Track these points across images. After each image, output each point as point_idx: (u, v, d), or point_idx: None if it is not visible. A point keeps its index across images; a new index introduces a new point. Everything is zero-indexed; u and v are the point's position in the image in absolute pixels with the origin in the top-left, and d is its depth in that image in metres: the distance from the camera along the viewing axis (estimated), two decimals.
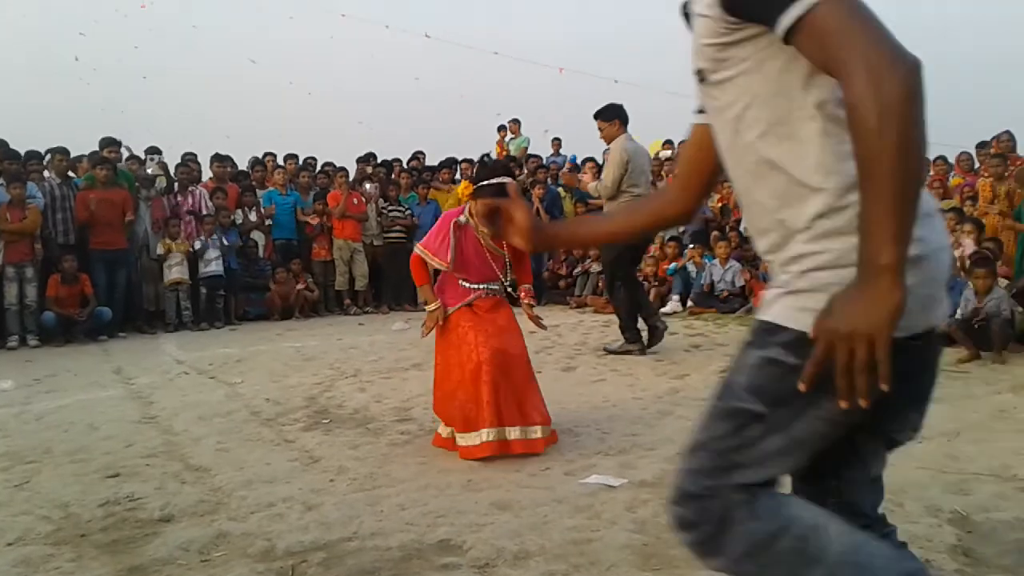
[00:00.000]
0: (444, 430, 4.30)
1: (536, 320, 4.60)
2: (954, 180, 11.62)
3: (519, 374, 4.21)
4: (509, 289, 4.48)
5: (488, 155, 4.25)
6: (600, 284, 11.90)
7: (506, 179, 4.20)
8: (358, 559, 2.78)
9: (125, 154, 11.15)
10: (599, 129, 7.44)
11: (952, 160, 12.05)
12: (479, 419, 4.04)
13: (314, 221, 12.03)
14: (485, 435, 4.02)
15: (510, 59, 17.07)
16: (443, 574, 2.65)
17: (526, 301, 4.61)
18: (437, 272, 4.45)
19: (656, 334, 7.30)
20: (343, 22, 16.98)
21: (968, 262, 7.47)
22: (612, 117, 7.32)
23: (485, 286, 4.37)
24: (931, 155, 12.36)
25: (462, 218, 4.37)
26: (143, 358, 8.08)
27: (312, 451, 4.29)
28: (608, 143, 7.60)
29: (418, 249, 4.43)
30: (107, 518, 3.31)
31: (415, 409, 5.23)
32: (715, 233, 11.69)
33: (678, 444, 4.13)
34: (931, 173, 11.72)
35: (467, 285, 4.35)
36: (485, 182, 4.15)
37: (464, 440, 4.10)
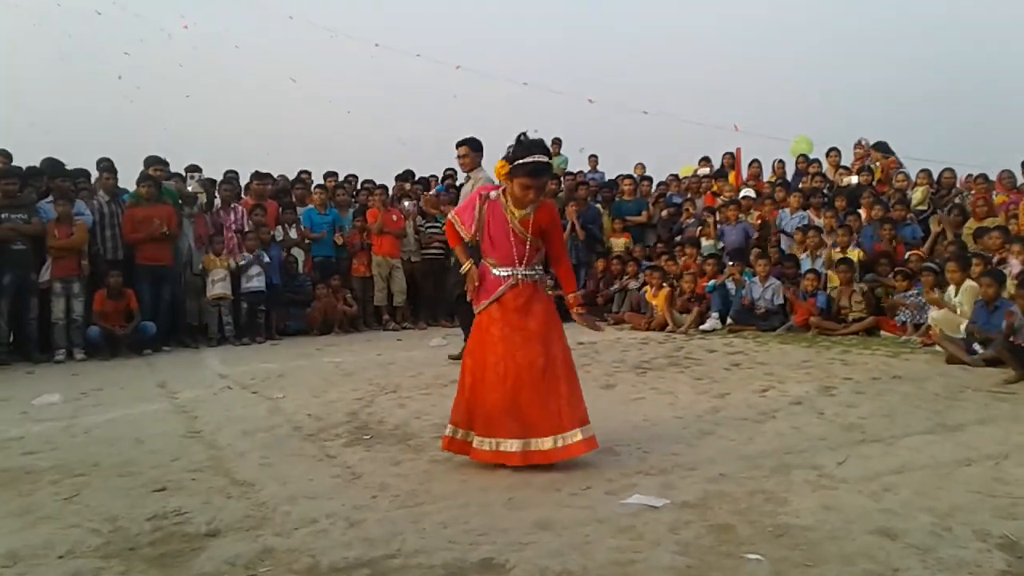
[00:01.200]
0: (460, 432, 4.28)
1: (593, 325, 4.59)
2: (998, 198, 11.43)
3: (549, 383, 4.15)
4: (540, 276, 4.41)
5: (525, 133, 4.17)
6: (635, 300, 11.89)
7: (542, 157, 4.13)
8: None
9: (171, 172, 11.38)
10: (462, 156, 7.94)
11: (993, 178, 11.86)
12: (506, 427, 4.06)
13: (339, 241, 12.16)
14: (512, 444, 4.04)
15: (540, 89, 17.43)
16: None
17: (577, 311, 4.59)
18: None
19: None
20: (377, 51, 17.40)
21: (1016, 282, 7.35)
22: (478, 148, 7.92)
23: (513, 271, 4.27)
24: (972, 172, 12.22)
25: (493, 193, 4.32)
26: (187, 372, 8.20)
27: (354, 467, 4.32)
28: (468, 171, 8.07)
29: (451, 215, 4.47)
30: (155, 532, 3.36)
31: None
32: (756, 250, 11.60)
33: (720, 464, 4.12)
34: (972, 192, 11.55)
35: (496, 272, 4.29)
36: (521, 161, 4.10)
37: (484, 445, 4.11)
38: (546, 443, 4.06)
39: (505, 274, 4.28)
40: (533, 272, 4.35)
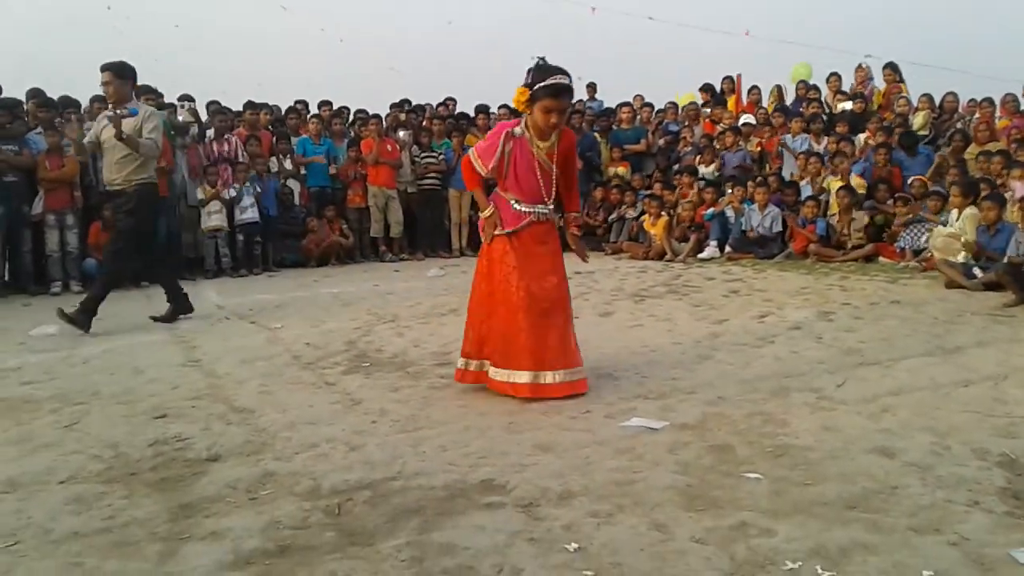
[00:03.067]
0: (472, 364, 4.26)
1: (581, 251, 4.52)
2: (1001, 122, 11.29)
3: (559, 317, 4.15)
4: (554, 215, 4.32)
5: (543, 58, 4.02)
6: (634, 229, 11.82)
7: (563, 78, 3.96)
8: (403, 498, 2.81)
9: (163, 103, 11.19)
10: (105, 84, 6.54)
11: (997, 101, 11.67)
12: (519, 359, 4.04)
13: (333, 171, 12.07)
14: (523, 376, 4.03)
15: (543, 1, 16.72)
16: (488, 513, 2.66)
17: (572, 230, 4.52)
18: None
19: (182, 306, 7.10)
20: None
21: (1018, 206, 7.30)
22: (128, 75, 6.62)
23: (535, 209, 4.18)
24: (977, 96, 12.03)
25: (517, 129, 4.16)
26: None
27: (353, 394, 4.32)
28: (114, 102, 6.62)
29: (471, 152, 4.31)
30: (156, 457, 3.37)
31: (453, 354, 5.21)
32: (758, 178, 11.50)
33: (718, 388, 4.13)
34: (977, 115, 11.41)
35: (519, 208, 4.18)
36: (542, 84, 3.94)
37: (499, 375, 4.11)
38: (558, 376, 4.05)
39: (527, 210, 4.18)
40: (552, 209, 4.28)
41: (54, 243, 9.35)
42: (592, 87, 15.39)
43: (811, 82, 13.88)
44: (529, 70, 4.03)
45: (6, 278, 9.39)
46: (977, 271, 7.29)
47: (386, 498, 2.81)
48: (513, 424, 3.67)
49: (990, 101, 11.51)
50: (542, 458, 3.18)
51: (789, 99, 13.82)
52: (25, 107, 9.94)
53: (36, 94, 10.05)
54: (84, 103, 10.51)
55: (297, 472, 3.11)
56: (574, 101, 14.45)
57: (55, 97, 10.20)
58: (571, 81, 4.04)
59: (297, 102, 13.34)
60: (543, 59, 4.03)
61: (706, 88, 14.75)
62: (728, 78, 14.50)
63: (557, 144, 4.17)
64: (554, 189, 4.22)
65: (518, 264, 4.12)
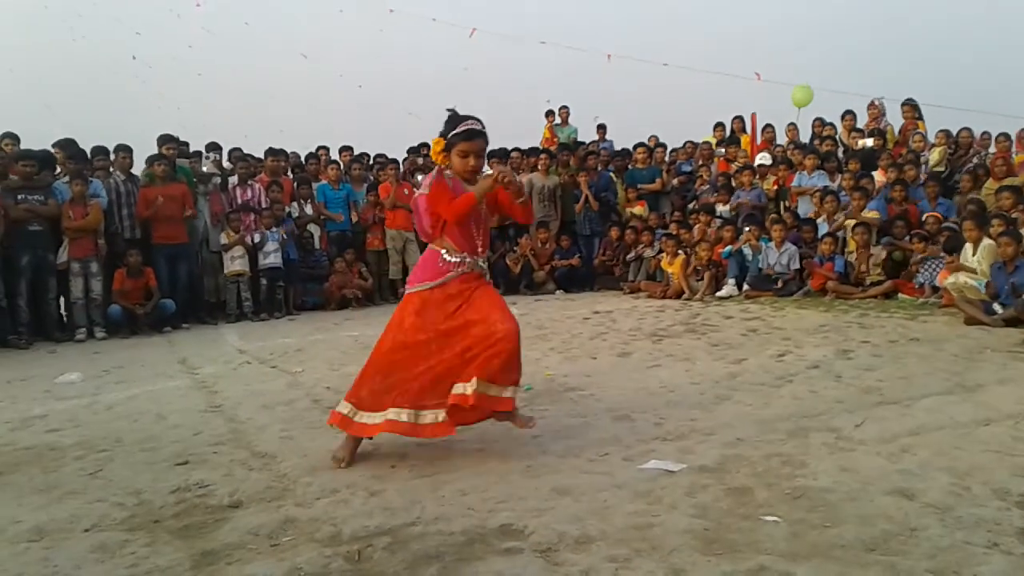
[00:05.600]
0: (344, 407, 4.02)
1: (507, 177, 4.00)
2: (1018, 157, 11.28)
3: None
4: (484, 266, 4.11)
5: (453, 109, 3.99)
6: (652, 268, 11.86)
7: (475, 123, 3.90)
8: (422, 543, 2.83)
9: (187, 150, 11.43)
10: None
11: (1014, 136, 11.68)
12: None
13: (355, 219, 12.24)
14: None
15: (558, 47, 16.92)
16: (506, 558, 2.68)
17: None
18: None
19: None
20: (391, 17, 17.06)
21: None
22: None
23: (468, 259, 3.94)
24: (993, 130, 12.04)
25: (448, 172, 3.96)
26: (206, 349, 8.28)
27: (373, 438, 4.34)
28: None
29: (424, 207, 3.97)
30: (178, 504, 3.41)
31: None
32: (772, 216, 11.53)
33: (737, 429, 4.13)
34: (993, 150, 11.40)
35: (449, 259, 3.92)
36: (454, 131, 3.88)
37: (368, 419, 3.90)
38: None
39: (457, 260, 3.94)
40: (484, 263, 4.11)
41: (78, 290, 9.52)
42: (602, 128, 15.53)
43: (816, 113, 13.97)
44: (444, 122, 3.97)
45: (32, 326, 9.53)
46: (997, 307, 7.26)
47: (405, 544, 2.84)
48: (531, 467, 3.69)
49: (1006, 136, 11.52)
50: (560, 502, 3.19)
51: (804, 138, 13.90)
52: (56, 157, 10.16)
53: (67, 144, 10.28)
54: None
55: (318, 518, 3.14)
56: (587, 141, 14.69)
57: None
58: (484, 127, 3.97)
59: (318, 148, 13.56)
60: (453, 110, 3.99)
61: (719, 127, 14.88)
62: (738, 117, 14.62)
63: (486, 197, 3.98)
64: (485, 241, 4.06)
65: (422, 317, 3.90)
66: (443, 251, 3.95)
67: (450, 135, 3.94)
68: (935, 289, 8.84)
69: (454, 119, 3.97)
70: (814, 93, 14.90)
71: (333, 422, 4.02)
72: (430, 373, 3.84)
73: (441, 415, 3.80)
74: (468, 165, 3.95)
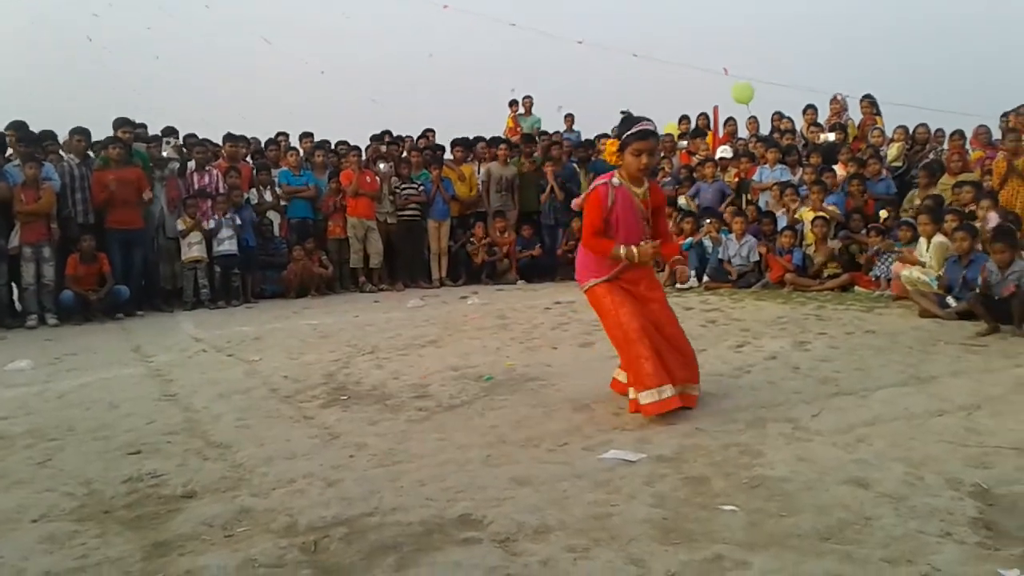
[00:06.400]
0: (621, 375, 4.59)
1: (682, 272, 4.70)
2: (975, 154, 11.48)
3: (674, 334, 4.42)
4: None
5: (628, 111, 4.34)
6: None
7: (649, 124, 4.26)
8: (379, 534, 2.80)
9: (146, 134, 11.21)
10: None
11: (970, 134, 11.88)
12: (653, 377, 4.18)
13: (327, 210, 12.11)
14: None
15: (529, 31, 16.77)
16: (464, 548, 2.66)
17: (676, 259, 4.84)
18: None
19: None
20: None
21: (990, 236, 7.40)
22: None
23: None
24: (948, 127, 12.23)
25: (615, 179, 4.36)
26: (161, 336, 8.14)
27: (331, 427, 4.31)
28: None
29: (584, 229, 4.45)
30: (130, 494, 3.35)
31: (432, 386, 5.24)
32: (731, 208, 11.62)
33: (695, 419, 4.15)
34: (946, 147, 11.58)
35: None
36: (630, 131, 4.22)
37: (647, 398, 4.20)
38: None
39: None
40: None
41: (30, 276, 9.29)
42: (570, 118, 15.52)
43: (785, 114, 14.08)
44: (613, 127, 4.43)
45: None
46: (951, 300, 7.38)
47: (363, 535, 2.81)
48: (491, 457, 3.67)
49: (960, 133, 11.71)
50: (519, 492, 3.18)
51: (764, 131, 14.01)
52: (6, 139, 9.90)
53: (19, 127, 10.01)
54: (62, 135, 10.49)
55: (274, 508, 3.10)
56: (551, 132, 14.68)
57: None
58: (655, 128, 4.35)
59: (278, 134, 13.39)
60: (628, 112, 4.32)
61: (684, 120, 14.95)
62: (703, 114, 14.71)
63: (649, 195, 4.42)
64: (649, 236, 4.43)
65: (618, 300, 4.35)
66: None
67: (625, 135, 4.27)
68: (890, 282, 8.97)
69: (629, 120, 4.31)
70: (755, 91, 15.02)
71: None
72: None
73: None
74: (641, 164, 4.31)
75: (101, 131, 10.61)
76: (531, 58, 19.50)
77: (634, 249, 4.30)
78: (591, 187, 4.43)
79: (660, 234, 4.55)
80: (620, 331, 4.32)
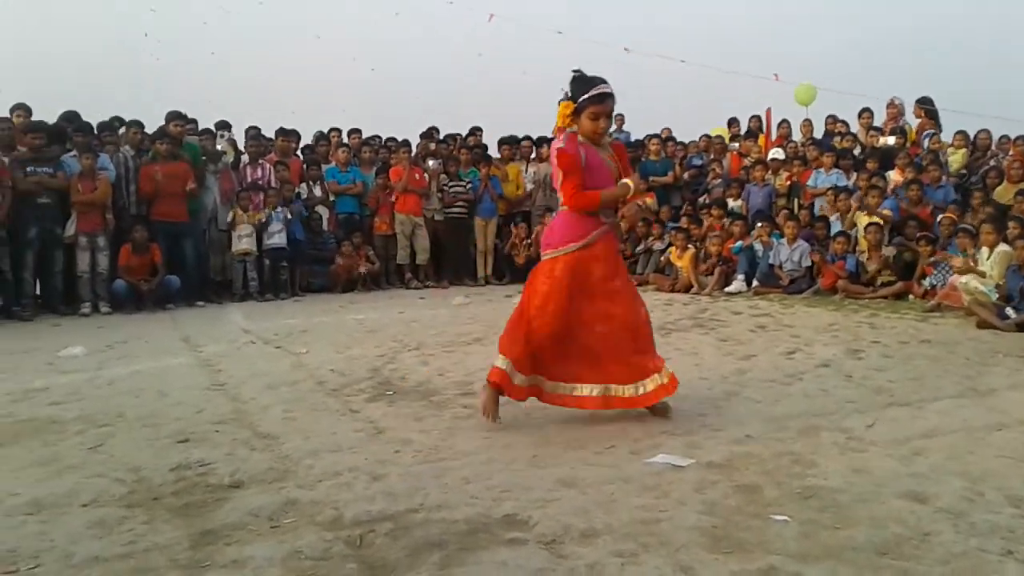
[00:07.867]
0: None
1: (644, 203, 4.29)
2: None
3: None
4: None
5: (579, 70, 4.07)
6: (662, 262, 11.78)
7: (605, 86, 3.99)
8: (425, 531, 2.78)
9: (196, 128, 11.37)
10: None
11: None
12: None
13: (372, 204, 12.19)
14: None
15: (575, 40, 16.69)
16: (510, 549, 2.63)
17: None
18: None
19: None
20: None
21: None
22: None
23: (609, 217, 4.16)
24: (1012, 133, 11.91)
25: (581, 137, 4.08)
26: (210, 327, 8.24)
27: (377, 422, 4.31)
28: None
29: (564, 183, 4.08)
30: (178, 482, 3.37)
31: (477, 384, 5.20)
32: (784, 212, 11.44)
33: (746, 426, 4.07)
34: (1011, 153, 11.27)
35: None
36: (585, 95, 3.97)
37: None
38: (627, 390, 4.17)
39: (607, 219, 4.17)
40: (615, 218, 4.24)
41: (85, 264, 9.49)
42: (620, 118, 15.41)
43: (839, 117, 13.83)
44: (563, 89, 4.07)
45: (37, 299, 9.52)
46: (1010, 311, 7.18)
47: (408, 531, 2.78)
48: (537, 457, 3.63)
49: None
50: (566, 493, 3.13)
51: (819, 134, 13.78)
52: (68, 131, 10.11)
53: (72, 118, 10.22)
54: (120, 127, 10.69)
55: (319, 501, 3.09)
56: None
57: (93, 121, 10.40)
58: (612, 89, 4.05)
59: (331, 129, 13.49)
60: (579, 71, 4.06)
61: (733, 123, 14.77)
62: (756, 116, 14.51)
63: (613, 151, 4.24)
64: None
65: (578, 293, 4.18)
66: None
67: (581, 99, 3.99)
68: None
69: (583, 81, 4.02)
70: (817, 92, 14.74)
71: None
72: None
73: None
74: (599, 127, 4.06)
75: (156, 124, 10.80)
76: (580, 65, 19.43)
77: (628, 182, 4.08)
78: (555, 149, 4.13)
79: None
80: (531, 317, 4.18)
